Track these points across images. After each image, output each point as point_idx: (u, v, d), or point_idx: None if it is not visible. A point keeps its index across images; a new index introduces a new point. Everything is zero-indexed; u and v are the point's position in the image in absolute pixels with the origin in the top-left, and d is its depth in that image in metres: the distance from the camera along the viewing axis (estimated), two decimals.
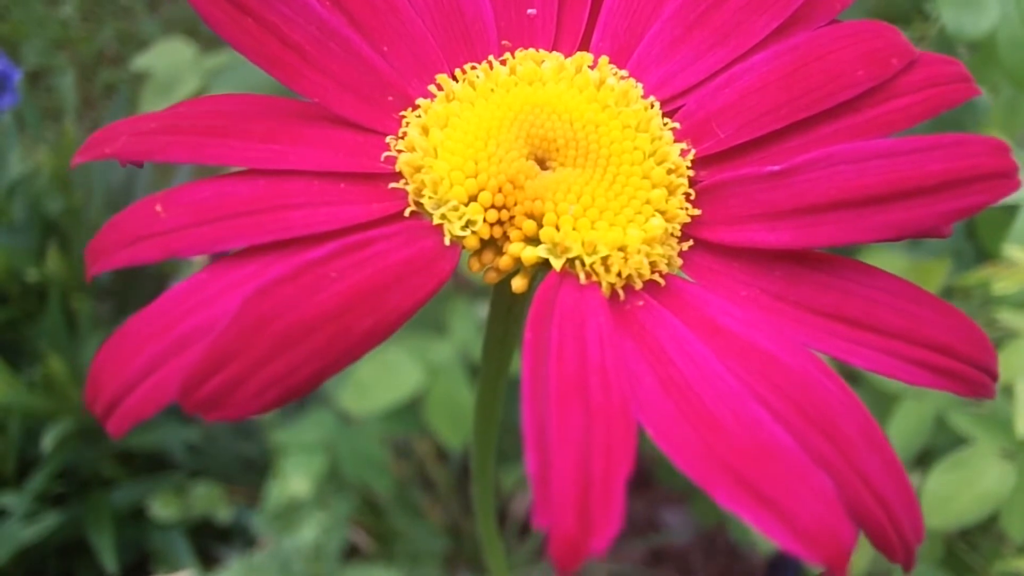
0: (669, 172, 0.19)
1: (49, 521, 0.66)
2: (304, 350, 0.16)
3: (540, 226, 0.18)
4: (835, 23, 0.21)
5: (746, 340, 0.18)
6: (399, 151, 0.19)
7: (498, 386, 0.25)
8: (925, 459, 0.57)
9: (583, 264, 0.18)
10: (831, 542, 0.14)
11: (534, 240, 0.18)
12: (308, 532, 0.66)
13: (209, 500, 0.70)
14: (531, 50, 0.21)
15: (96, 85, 1.06)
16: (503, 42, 0.21)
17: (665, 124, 0.20)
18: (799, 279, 0.19)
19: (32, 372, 0.69)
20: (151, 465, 0.74)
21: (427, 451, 0.73)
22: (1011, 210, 0.54)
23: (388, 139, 0.20)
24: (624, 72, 0.21)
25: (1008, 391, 0.51)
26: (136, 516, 0.71)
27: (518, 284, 0.18)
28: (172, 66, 0.70)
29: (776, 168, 0.19)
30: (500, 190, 0.18)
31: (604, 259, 0.18)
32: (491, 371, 0.25)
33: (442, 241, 0.18)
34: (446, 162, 0.18)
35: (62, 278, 0.70)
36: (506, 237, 0.18)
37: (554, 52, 0.21)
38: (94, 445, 0.71)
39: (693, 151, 0.20)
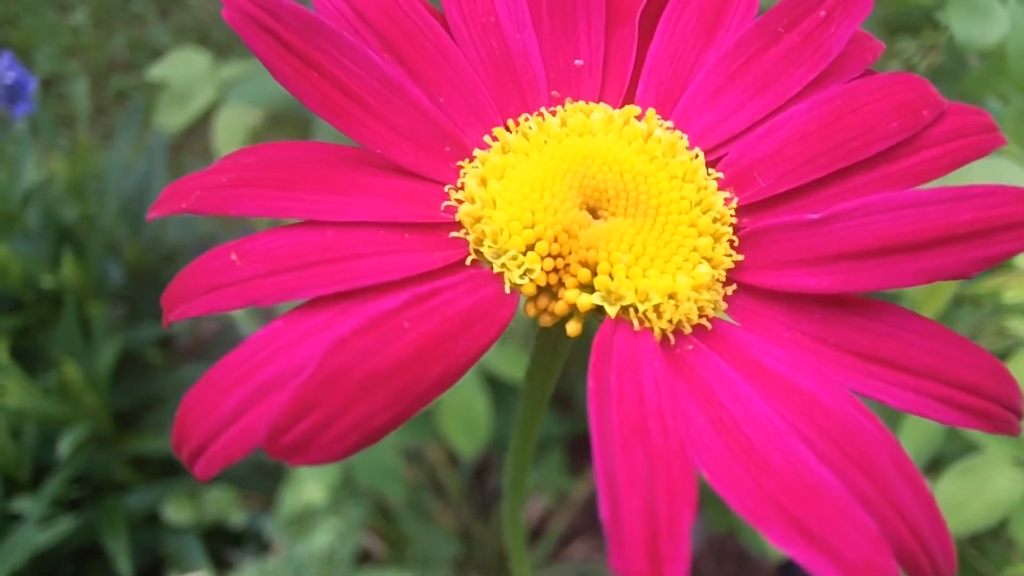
0: (714, 220, 0.20)
1: (64, 525, 0.67)
2: (381, 397, 0.17)
3: (594, 274, 0.19)
4: (869, 74, 0.22)
5: (789, 381, 0.19)
6: (458, 200, 0.20)
7: (539, 411, 0.27)
8: (936, 466, 0.58)
9: (636, 311, 0.19)
10: None
11: (588, 287, 0.20)
12: (322, 538, 0.67)
13: (223, 505, 0.71)
14: (581, 102, 0.22)
15: (108, 92, 1.07)
16: (552, 92, 0.22)
17: (709, 174, 0.21)
18: (837, 321, 0.20)
19: (47, 378, 0.70)
20: (165, 470, 0.75)
21: (439, 457, 0.74)
22: None
23: (447, 188, 0.21)
24: (670, 123, 0.22)
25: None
26: (150, 520, 0.72)
27: (573, 329, 0.20)
28: (187, 76, 0.70)
29: (815, 216, 0.20)
30: (556, 240, 0.19)
31: (656, 306, 0.19)
32: (534, 397, 0.26)
33: (502, 288, 0.19)
34: (504, 213, 0.20)
35: (77, 285, 0.70)
36: (561, 284, 0.20)
37: (602, 103, 0.22)
38: (108, 450, 0.72)
39: (736, 199, 0.21)
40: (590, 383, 0.17)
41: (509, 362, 0.58)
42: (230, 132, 0.71)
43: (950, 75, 0.72)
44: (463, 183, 0.21)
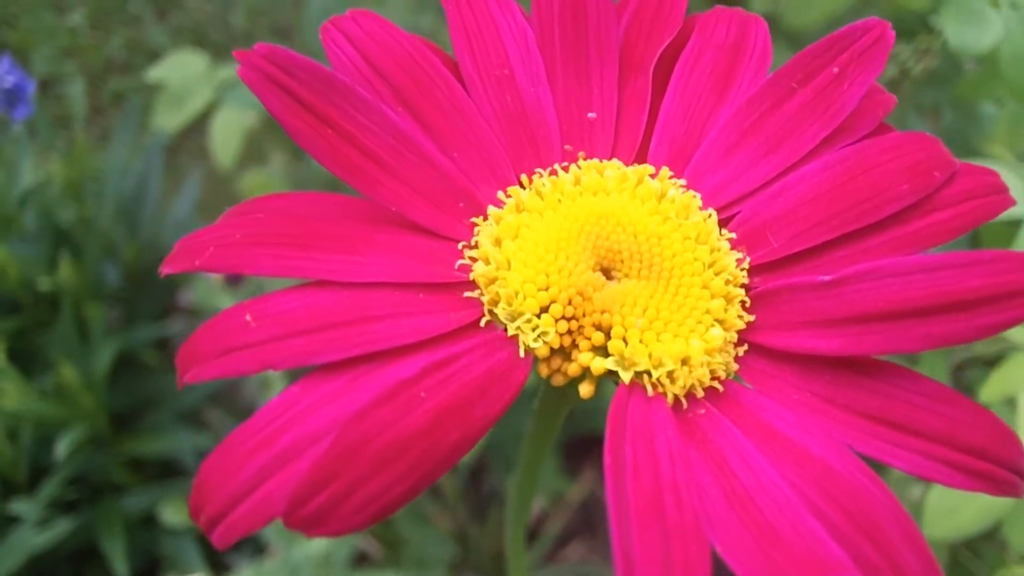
0: (727, 282, 0.21)
1: (61, 527, 0.67)
2: (400, 468, 0.17)
3: (608, 337, 0.20)
4: (882, 130, 0.22)
5: (800, 446, 0.19)
6: (472, 258, 0.20)
7: (544, 452, 0.27)
8: None
9: (650, 377, 0.19)
10: None
11: (602, 349, 0.20)
12: (318, 540, 0.67)
13: None
14: (594, 160, 0.22)
15: (105, 93, 1.06)
16: (566, 146, 0.22)
17: (722, 234, 0.21)
18: (846, 383, 0.20)
19: (44, 380, 0.70)
20: (162, 472, 0.75)
21: None
22: (1015, 224, 0.56)
23: (460, 245, 0.21)
24: (683, 181, 0.22)
25: (1011, 404, 0.53)
26: (147, 522, 0.72)
27: (586, 391, 0.20)
28: (185, 77, 0.70)
29: (827, 278, 0.20)
30: (570, 302, 0.20)
31: (669, 372, 0.19)
32: (540, 439, 0.26)
33: (517, 352, 0.19)
34: (519, 274, 0.20)
35: (74, 287, 0.70)
36: (575, 345, 0.20)
37: (615, 159, 0.22)
38: (105, 452, 0.72)
39: (748, 259, 0.21)
40: (606, 458, 0.17)
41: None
42: (227, 134, 0.71)
43: (945, 79, 0.72)
44: (477, 241, 0.21)
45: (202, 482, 0.18)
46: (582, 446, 0.79)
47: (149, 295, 0.76)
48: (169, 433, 0.72)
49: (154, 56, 0.70)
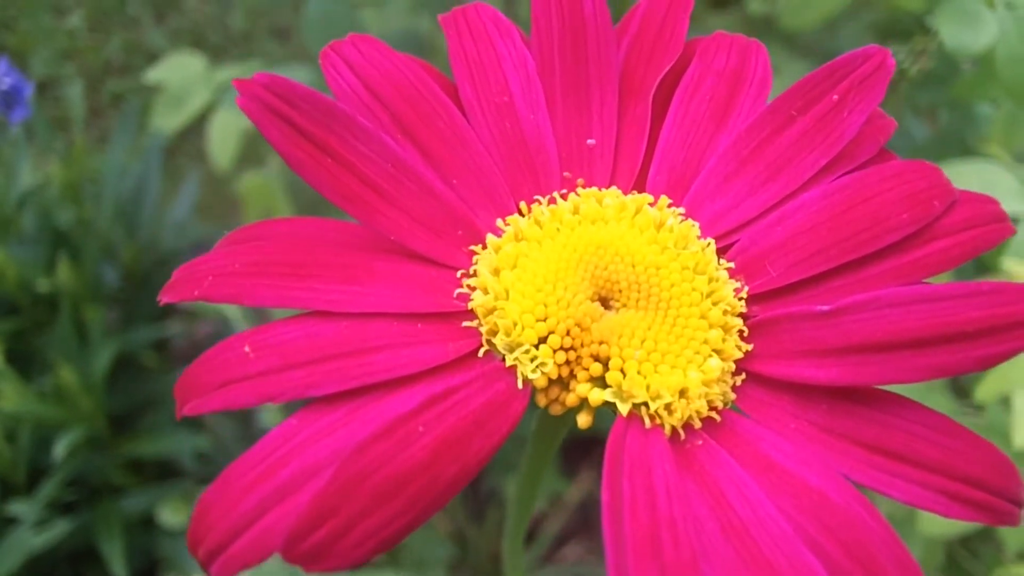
0: (725, 312, 0.21)
1: (59, 528, 0.67)
2: (398, 503, 0.17)
3: (606, 368, 0.20)
4: (883, 156, 0.22)
5: (797, 476, 0.19)
6: (471, 287, 0.20)
7: (543, 470, 0.27)
8: None
9: (647, 409, 0.19)
10: None
11: (600, 380, 0.20)
12: None
13: None
14: (593, 188, 0.22)
15: (103, 95, 1.06)
16: (565, 173, 0.22)
17: (720, 264, 0.21)
18: (844, 412, 0.20)
19: (43, 381, 0.70)
20: (160, 473, 0.75)
21: None
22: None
23: (458, 273, 0.21)
24: (682, 209, 0.22)
25: (1007, 403, 0.53)
26: (146, 523, 0.72)
27: (584, 421, 0.20)
28: (183, 79, 0.70)
29: (825, 308, 0.20)
30: (568, 333, 0.20)
31: (667, 404, 0.19)
32: (538, 458, 0.26)
33: (515, 383, 0.19)
34: (517, 305, 0.20)
35: (72, 288, 0.70)
36: (573, 376, 0.20)
37: (614, 187, 0.22)
38: (104, 453, 0.72)
39: (747, 288, 0.21)
40: (604, 495, 0.17)
41: None
42: (224, 135, 0.71)
43: (942, 80, 0.72)
44: (476, 270, 0.21)
45: (201, 515, 0.18)
46: (581, 447, 0.79)
47: (148, 297, 0.76)
48: (167, 434, 0.72)
49: (152, 58, 0.70)
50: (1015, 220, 0.59)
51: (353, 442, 0.17)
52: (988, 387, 0.52)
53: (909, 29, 0.76)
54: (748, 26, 0.71)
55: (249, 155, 0.73)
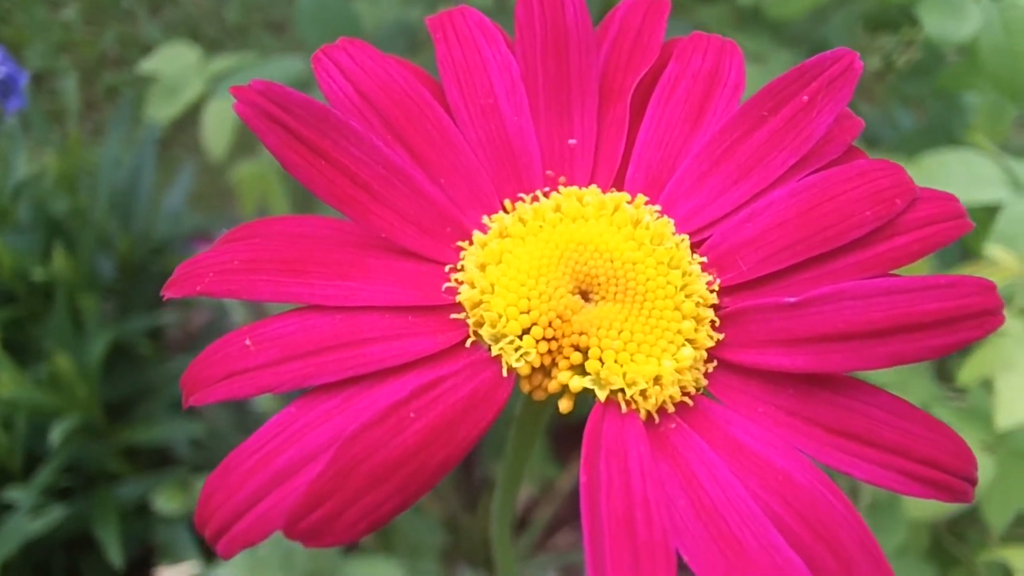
0: (697, 304, 0.22)
1: (55, 515, 0.69)
2: (391, 486, 0.18)
3: (585, 357, 0.21)
4: (851, 154, 0.24)
5: (764, 458, 0.21)
6: (459, 281, 0.22)
7: (528, 453, 0.28)
8: None
9: (624, 395, 0.21)
10: None
11: (580, 368, 0.21)
12: None
13: None
14: (574, 187, 0.23)
15: (98, 87, 1.07)
16: (547, 172, 0.24)
17: (694, 259, 0.23)
18: (809, 397, 0.22)
19: (39, 369, 0.71)
20: (155, 460, 0.77)
21: None
22: (993, 211, 0.57)
23: (447, 268, 0.22)
24: (658, 207, 0.23)
25: (989, 386, 0.54)
26: (141, 510, 0.74)
27: (564, 406, 0.21)
28: (177, 70, 0.71)
29: (792, 300, 0.21)
30: (550, 324, 0.21)
31: (642, 391, 0.21)
32: (522, 441, 0.28)
33: (500, 372, 0.21)
34: (502, 299, 0.21)
35: (68, 277, 0.71)
36: (554, 364, 0.21)
37: (593, 185, 0.23)
38: (99, 441, 0.74)
39: (718, 281, 0.23)
40: (582, 476, 0.19)
41: None
42: (218, 125, 0.72)
43: (928, 70, 0.73)
44: (463, 265, 0.22)
45: (207, 498, 0.19)
46: (572, 434, 0.80)
47: (143, 286, 0.77)
48: (162, 422, 0.73)
49: (147, 51, 0.71)
50: (998, 207, 0.61)
51: (348, 429, 0.19)
52: (970, 371, 0.54)
53: (896, 20, 0.77)
54: (737, 17, 0.72)
55: (243, 144, 0.74)
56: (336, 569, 0.70)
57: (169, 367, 0.76)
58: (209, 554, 0.73)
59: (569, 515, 0.78)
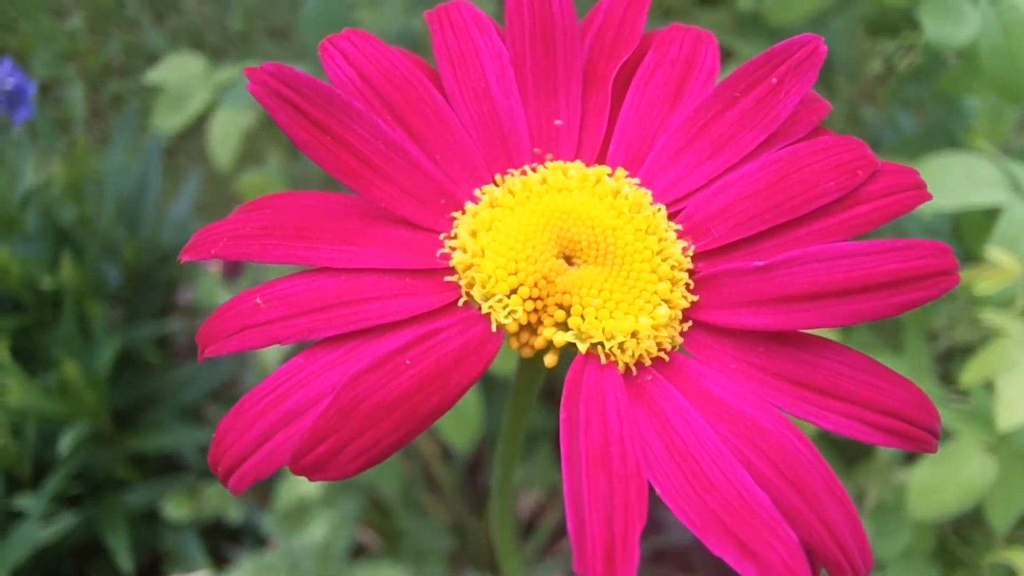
0: (673, 267, 0.24)
1: (65, 522, 0.71)
2: (387, 425, 0.21)
3: (568, 315, 0.23)
4: (819, 133, 0.26)
5: (734, 408, 0.23)
6: (452, 248, 0.24)
7: (524, 419, 0.31)
8: (915, 454, 0.61)
9: (603, 348, 0.23)
10: None
11: (563, 325, 0.24)
12: (317, 531, 0.70)
13: (220, 501, 0.76)
14: (559, 161, 0.26)
15: (104, 96, 1.10)
16: (535, 149, 0.26)
17: (670, 227, 0.25)
18: (778, 354, 0.24)
19: (47, 377, 0.74)
20: (164, 467, 0.79)
21: (432, 452, 0.78)
22: (993, 214, 0.59)
23: (441, 236, 0.25)
24: (637, 180, 0.26)
25: (991, 387, 0.56)
26: (149, 517, 0.76)
27: (550, 360, 0.24)
28: (183, 80, 0.74)
29: (761, 264, 0.24)
30: (536, 285, 0.23)
31: (620, 344, 0.23)
32: (519, 407, 0.30)
33: (489, 328, 0.23)
34: (492, 262, 0.24)
35: (76, 286, 0.74)
36: (540, 322, 0.24)
37: (577, 160, 0.26)
38: (108, 448, 0.76)
39: (693, 247, 0.25)
40: (562, 413, 0.21)
41: (500, 359, 0.62)
42: (225, 134, 0.75)
43: (928, 74, 0.75)
44: (456, 233, 0.25)
45: (219, 439, 0.21)
46: None
47: (149, 294, 0.80)
48: (170, 429, 0.76)
49: (152, 59, 0.74)
50: (997, 209, 0.63)
51: (349, 375, 0.21)
52: (972, 373, 0.56)
53: (898, 25, 0.80)
54: (737, 22, 0.75)
55: (249, 154, 0.76)
56: (343, 574, 0.72)
57: (176, 374, 0.79)
58: (218, 560, 0.75)
59: None
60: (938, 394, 0.62)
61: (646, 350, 0.24)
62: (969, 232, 0.66)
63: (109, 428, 0.75)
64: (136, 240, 0.80)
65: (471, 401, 0.63)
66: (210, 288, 0.72)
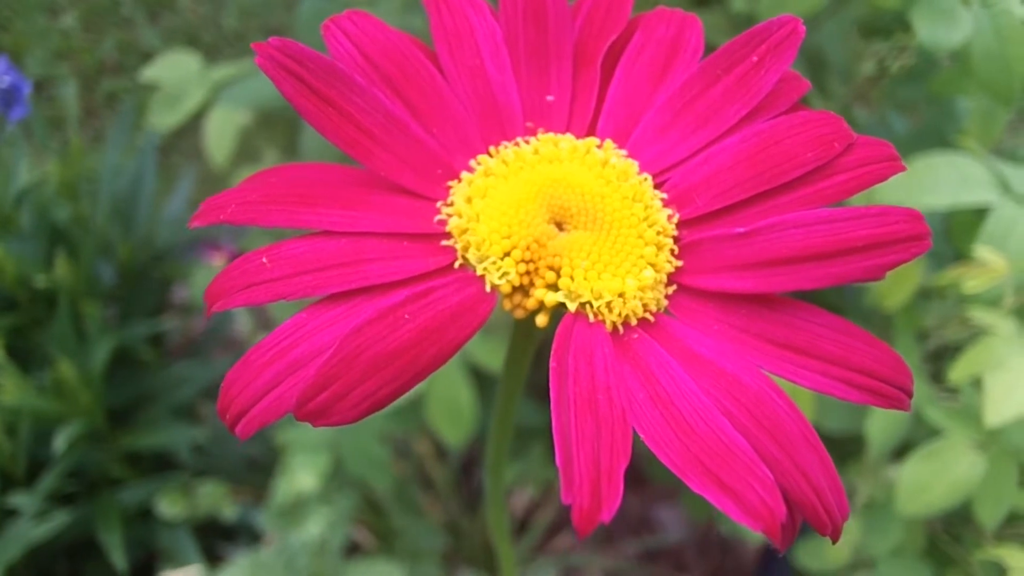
0: (658, 233, 0.26)
1: (59, 520, 0.72)
2: (387, 374, 0.23)
3: (559, 276, 0.25)
4: (797, 108, 0.28)
5: (716, 364, 0.25)
6: (448, 215, 0.26)
7: (518, 388, 0.32)
8: (905, 452, 0.63)
9: (592, 307, 0.25)
10: (769, 517, 0.21)
11: (554, 287, 0.25)
12: (313, 528, 0.72)
13: (214, 498, 0.77)
14: (551, 134, 0.28)
15: (98, 94, 1.12)
16: (527, 123, 0.28)
17: (655, 195, 0.27)
18: (760, 316, 0.26)
19: (42, 376, 0.75)
20: (158, 465, 0.81)
21: (426, 451, 0.80)
22: (982, 213, 0.61)
23: (438, 204, 0.27)
24: (624, 152, 0.28)
25: (978, 385, 0.58)
26: (144, 515, 0.77)
27: (541, 320, 0.25)
28: (179, 78, 0.76)
29: (742, 230, 0.26)
30: (528, 248, 0.25)
31: (608, 303, 0.25)
32: (513, 375, 0.32)
33: (483, 288, 0.25)
34: (486, 226, 0.25)
35: (70, 284, 0.76)
36: (532, 283, 0.25)
37: (568, 134, 0.28)
38: (102, 446, 0.77)
39: (677, 215, 0.27)
40: (552, 363, 0.23)
41: (492, 355, 0.63)
42: (221, 132, 0.76)
43: (921, 75, 0.77)
44: (452, 200, 0.27)
45: (227, 387, 0.23)
46: None
47: (144, 292, 0.82)
48: (165, 428, 0.77)
49: (146, 58, 0.76)
50: (987, 209, 0.64)
51: (352, 327, 0.23)
52: (960, 370, 0.57)
53: (891, 26, 0.82)
54: (731, 23, 0.77)
55: (245, 152, 0.78)
56: (337, 572, 0.73)
57: (171, 373, 0.80)
58: (212, 558, 0.76)
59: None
60: (928, 392, 0.64)
61: (632, 310, 0.25)
62: (959, 232, 0.67)
63: (103, 426, 0.77)
64: (131, 239, 0.81)
65: (465, 399, 0.64)
66: (207, 283, 0.74)
